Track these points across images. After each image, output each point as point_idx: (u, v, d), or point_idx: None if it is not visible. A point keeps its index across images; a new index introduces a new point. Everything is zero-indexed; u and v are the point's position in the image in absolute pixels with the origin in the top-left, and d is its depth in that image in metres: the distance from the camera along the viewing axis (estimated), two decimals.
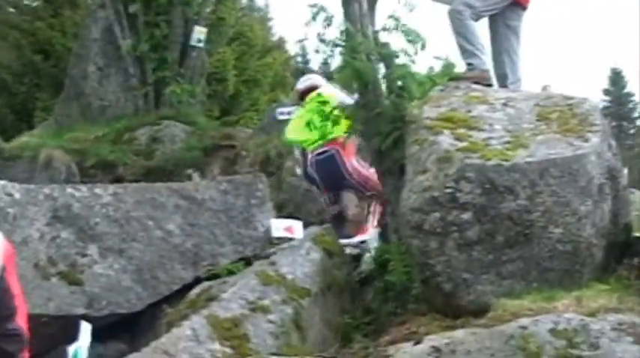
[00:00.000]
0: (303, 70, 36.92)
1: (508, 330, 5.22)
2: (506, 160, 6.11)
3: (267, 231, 8.62)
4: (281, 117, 11.73)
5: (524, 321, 5.27)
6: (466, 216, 6.09)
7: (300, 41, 8.48)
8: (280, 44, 31.43)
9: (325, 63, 36.99)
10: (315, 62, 37.86)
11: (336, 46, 7.93)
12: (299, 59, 40.21)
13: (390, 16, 7.70)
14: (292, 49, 34.79)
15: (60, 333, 6.96)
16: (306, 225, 8.46)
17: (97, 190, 8.53)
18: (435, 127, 6.56)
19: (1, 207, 7.81)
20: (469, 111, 6.71)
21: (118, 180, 10.50)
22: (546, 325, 5.14)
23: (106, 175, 11.14)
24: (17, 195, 8.10)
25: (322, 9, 7.82)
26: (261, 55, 26.40)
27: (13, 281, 3.36)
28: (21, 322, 3.37)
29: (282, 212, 9.48)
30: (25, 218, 7.96)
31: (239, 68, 23.94)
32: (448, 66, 8.15)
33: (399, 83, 7.64)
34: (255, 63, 25.56)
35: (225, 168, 11.05)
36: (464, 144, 6.31)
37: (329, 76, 9.91)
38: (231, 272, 8.03)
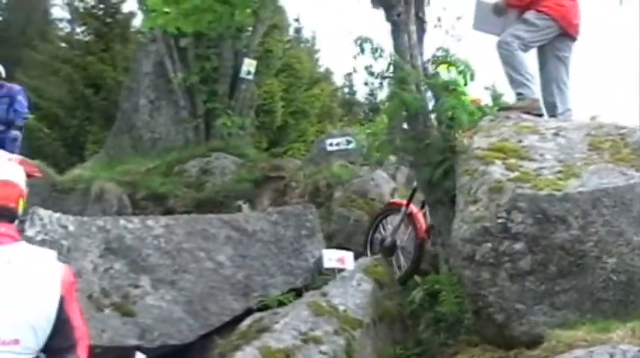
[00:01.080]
0: (349, 101, 37.04)
1: None
2: (558, 190, 6.06)
3: (318, 261, 8.63)
4: (330, 149, 11.79)
5: (578, 352, 5.19)
6: (518, 246, 6.05)
7: (349, 74, 8.52)
8: (327, 75, 31.55)
9: (371, 94, 37.27)
10: (361, 93, 37.96)
11: (385, 77, 7.97)
12: (346, 90, 40.30)
13: (440, 48, 7.73)
14: (339, 80, 34.92)
15: None
16: (356, 256, 8.45)
17: (149, 222, 8.62)
18: (486, 157, 6.54)
19: (56, 239, 7.92)
20: (520, 141, 6.69)
21: (168, 211, 10.57)
22: (602, 356, 5.06)
23: (157, 207, 11.22)
24: (71, 228, 8.21)
25: (368, 40, 7.87)
26: (308, 87, 26.49)
27: (74, 313, 3.38)
28: (82, 354, 3.39)
29: (331, 243, 9.47)
30: (79, 250, 8.07)
31: (286, 100, 24.05)
32: (497, 96, 8.16)
33: (449, 114, 7.64)
34: (302, 94, 25.66)
35: (274, 199, 11.09)
36: (515, 174, 6.29)
37: (375, 106, 9.95)
38: (281, 303, 8.05)
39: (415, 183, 9.08)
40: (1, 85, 13.21)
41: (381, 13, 7.98)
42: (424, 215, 8.87)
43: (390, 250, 8.93)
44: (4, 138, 12.57)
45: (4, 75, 13.30)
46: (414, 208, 8.94)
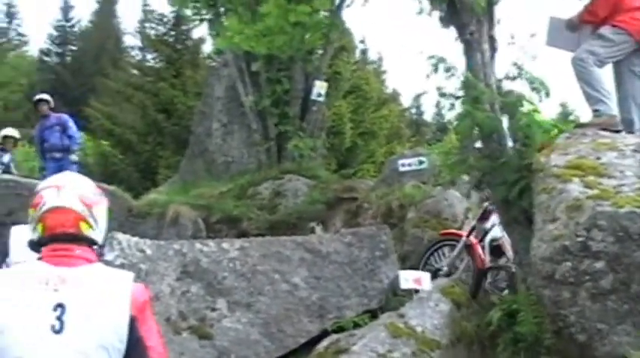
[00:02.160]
0: (417, 122, 37.01)
1: None
2: (639, 207, 5.95)
3: (393, 282, 8.60)
4: (402, 169, 11.77)
5: None
6: (599, 265, 5.94)
7: (420, 95, 8.48)
8: (394, 97, 31.59)
9: (439, 114, 37.16)
10: (429, 114, 37.91)
11: (457, 97, 7.92)
12: (413, 111, 40.27)
13: (514, 64, 7.66)
14: (406, 101, 34.93)
15: None
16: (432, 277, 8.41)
17: (224, 245, 8.69)
18: (564, 175, 6.45)
19: (134, 263, 8.02)
20: (598, 158, 6.59)
21: (242, 234, 10.64)
22: None
23: (231, 230, 11.31)
24: (149, 251, 8.32)
25: (442, 60, 7.85)
26: (376, 108, 26.54)
27: (148, 333, 3.39)
28: None
29: (405, 264, 9.44)
30: (157, 273, 8.16)
31: (355, 121, 24.12)
32: (567, 113, 8.05)
33: (524, 131, 7.56)
34: (370, 116, 25.71)
35: (347, 220, 11.09)
36: (594, 191, 6.18)
37: (443, 126, 9.95)
38: (357, 325, 8.04)
39: (480, 209, 9.13)
40: (48, 115, 13.66)
41: (449, 32, 7.96)
42: (482, 246, 8.95)
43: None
44: (63, 164, 12.95)
45: (52, 104, 13.75)
46: (473, 239, 8.96)
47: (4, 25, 49.49)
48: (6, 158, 14.16)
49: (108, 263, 7.31)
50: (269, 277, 8.46)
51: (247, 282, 8.36)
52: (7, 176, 11.34)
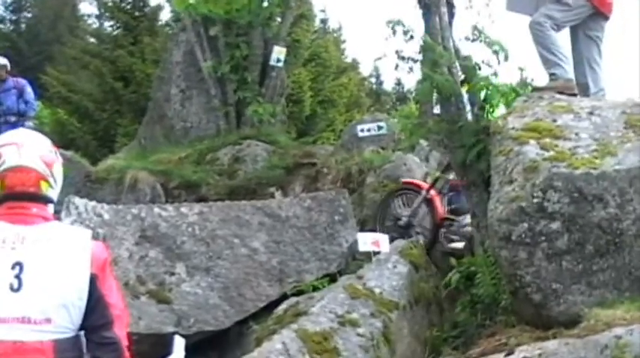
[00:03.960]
0: (377, 91, 37.02)
1: (602, 340, 5.15)
2: (594, 169, 6.03)
3: (352, 246, 8.65)
4: (362, 134, 11.77)
5: (618, 331, 5.19)
6: (555, 225, 6.03)
7: (379, 58, 8.48)
8: (354, 65, 31.54)
9: (398, 84, 37.22)
10: (388, 82, 37.93)
11: (416, 61, 7.95)
12: (373, 80, 40.27)
13: (474, 27, 7.68)
14: (366, 70, 34.93)
15: (151, 351, 7.05)
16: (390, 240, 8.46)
17: (183, 209, 8.67)
18: (521, 138, 6.51)
19: (92, 227, 7.95)
20: (554, 121, 6.65)
21: (202, 199, 10.60)
22: None
23: (190, 195, 11.26)
24: (106, 216, 8.28)
25: (400, 23, 7.85)
26: (335, 76, 26.46)
27: (109, 290, 3.37)
28: (119, 331, 3.39)
29: (364, 228, 9.46)
30: (115, 238, 8.13)
31: (315, 89, 24.03)
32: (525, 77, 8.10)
33: (482, 95, 7.61)
34: (330, 84, 25.63)
35: (307, 185, 11.08)
36: (550, 153, 6.25)
37: (403, 96, 10.00)
38: (316, 289, 8.08)
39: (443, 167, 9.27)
40: (6, 79, 13.49)
41: None
42: (442, 201, 9.22)
43: (405, 229, 9.17)
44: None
45: (9, 67, 13.57)
46: (433, 192, 9.17)
47: None
48: None
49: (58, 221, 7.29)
50: (228, 241, 8.47)
51: (206, 247, 8.37)
52: None
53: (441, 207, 9.15)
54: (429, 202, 9.17)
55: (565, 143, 6.40)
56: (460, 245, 8.56)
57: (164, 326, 7.85)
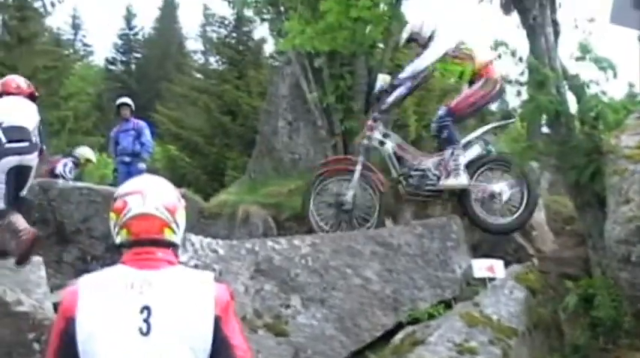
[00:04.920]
0: (482, 111, 36.63)
1: None
2: None
3: (465, 272, 8.56)
4: None
5: None
6: None
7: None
8: (457, 87, 31.31)
9: (503, 101, 36.65)
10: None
11: (522, 83, 7.85)
12: None
13: (580, 45, 7.55)
14: None
15: None
16: (505, 265, 8.34)
17: (296, 242, 8.73)
18: (635, 156, 6.36)
19: (208, 263, 8.10)
20: None
21: (312, 231, 10.66)
22: None
23: (301, 227, 11.32)
24: (221, 251, 8.40)
25: (504, 44, 7.78)
26: (439, 99, 26.33)
27: (232, 332, 3.44)
28: None
29: (477, 253, 9.37)
30: (230, 273, 8.23)
31: (419, 113, 23.94)
32: (634, 93, 7.92)
33: (592, 114, 7.47)
34: (434, 107, 25.51)
35: (417, 212, 11.04)
36: None
37: (508, 115, 9.95)
38: (431, 316, 8.02)
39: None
40: (128, 119, 13.91)
41: (512, 19, 7.90)
42: (389, 156, 9.90)
43: (349, 212, 9.80)
44: (131, 170, 13.17)
45: (133, 108, 14.00)
46: (370, 165, 9.82)
47: (70, 36, 50.54)
48: (60, 167, 14.37)
49: (182, 264, 7.42)
50: (341, 272, 8.48)
51: (320, 278, 8.39)
52: (81, 183, 11.52)
53: (381, 175, 9.74)
54: (367, 179, 9.75)
55: None
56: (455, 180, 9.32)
57: None
